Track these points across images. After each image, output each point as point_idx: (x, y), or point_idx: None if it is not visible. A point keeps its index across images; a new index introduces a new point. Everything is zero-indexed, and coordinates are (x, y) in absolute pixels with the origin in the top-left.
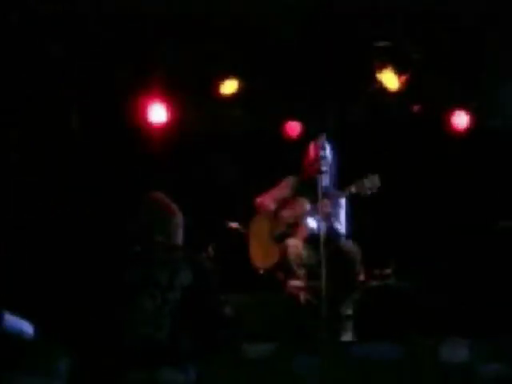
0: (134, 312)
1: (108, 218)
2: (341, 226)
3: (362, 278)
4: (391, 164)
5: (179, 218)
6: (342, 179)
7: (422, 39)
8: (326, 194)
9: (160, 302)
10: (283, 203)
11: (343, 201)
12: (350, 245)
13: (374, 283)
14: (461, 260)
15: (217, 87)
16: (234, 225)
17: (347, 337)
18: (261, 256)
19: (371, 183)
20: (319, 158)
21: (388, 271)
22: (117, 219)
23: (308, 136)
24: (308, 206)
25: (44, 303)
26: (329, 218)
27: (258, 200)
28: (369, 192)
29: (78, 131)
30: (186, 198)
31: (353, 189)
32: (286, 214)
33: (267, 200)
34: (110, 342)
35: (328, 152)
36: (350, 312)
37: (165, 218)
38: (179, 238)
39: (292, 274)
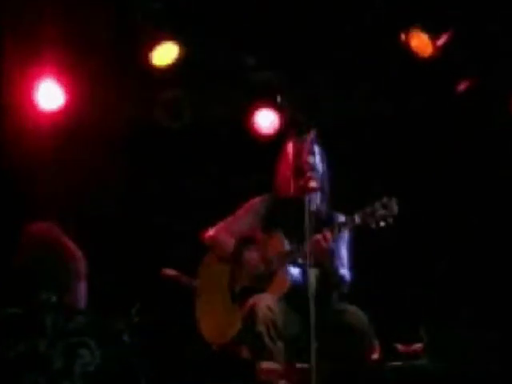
0: None
1: None
2: (344, 268)
3: (375, 356)
4: (420, 175)
5: (80, 266)
6: (340, 200)
7: None
8: (317, 225)
9: None
10: (249, 239)
11: (345, 234)
12: (359, 314)
13: (396, 364)
14: None
15: (145, 56)
16: (171, 272)
17: None
18: (214, 323)
19: (386, 210)
20: (307, 167)
21: (417, 346)
22: None
23: (289, 132)
24: (288, 245)
25: None
26: (325, 259)
27: (210, 233)
28: (382, 223)
29: None
30: (94, 230)
31: (357, 219)
32: (254, 255)
33: (223, 233)
34: None
35: (318, 158)
36: None
37: (58, 264)
38: (81, 296)
39: (264, 351)
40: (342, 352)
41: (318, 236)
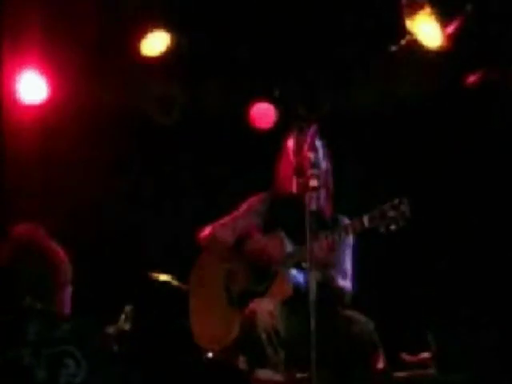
0: None
1: None
2: (345, 279)
3: (380, 365)
4: (429, 175)
5: (66, 270)
6: (342, 200)
7: None
8: (320, 227)
9: None
10: (248, 240)
11: (350, 238)
12: (364, 321)
13: (402, 374)
14: None
15: (134, 46)
16: (163, 277)
17: None
18: (209, 329)
19: (397, 212)
20: (308, 164)
21: (425, 355)
22: None
23: (287, 127)
24: (289, 246)
25: None
26: (326, 265)
27: (206, 232)
28: (393, 226)
29: None
30: (81, 229)
31: (366, 221)
32: (253, 257)
33: (221, 230)
34: None
35: (321, 153)
36: None
37: (43, 268)
38: (66, 302)
39: (263, 360)
40: (345, 361)
41: (315, 244)
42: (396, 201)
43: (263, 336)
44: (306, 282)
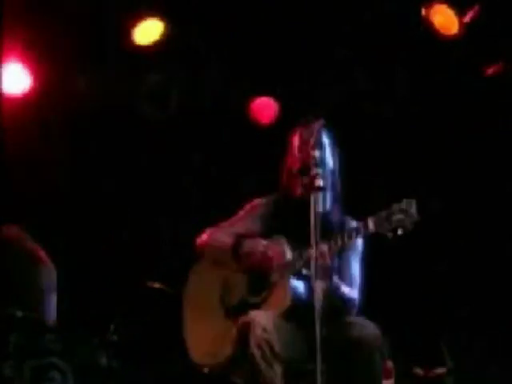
0: None
1: None
2: (351, 288)
3: (390, 382)
4: (443, 173)
5: (50, 273)
6: (351, 201)
7: None
8: (326, 230)
9: None
10: (246, 246)
11: (358, 243)
12: (367, 325)
13: None
14: None
15: (126, 34)
16: (156, 285)
17: None
18: (204, 341)
19: (404, 215)
20: (312, 163)
21: (440, 370)
22: None
23: (290, 122)
24: (290, 252)
25: None
26: (329, 273)
27: (202, 237)
28: (400, 231)
29: None
30: (68, 234)
31: (371, 224)
32: (251, 265)
33: (218, 237)
34: None
35: (328, 151)
36: None
37: (27, 275)
38: (51, 310)
39: (258, 377)
40: (350, 372)
41: (314, 246)
42: (403, 202)
43: (256, 352)
44: (307, 291)
